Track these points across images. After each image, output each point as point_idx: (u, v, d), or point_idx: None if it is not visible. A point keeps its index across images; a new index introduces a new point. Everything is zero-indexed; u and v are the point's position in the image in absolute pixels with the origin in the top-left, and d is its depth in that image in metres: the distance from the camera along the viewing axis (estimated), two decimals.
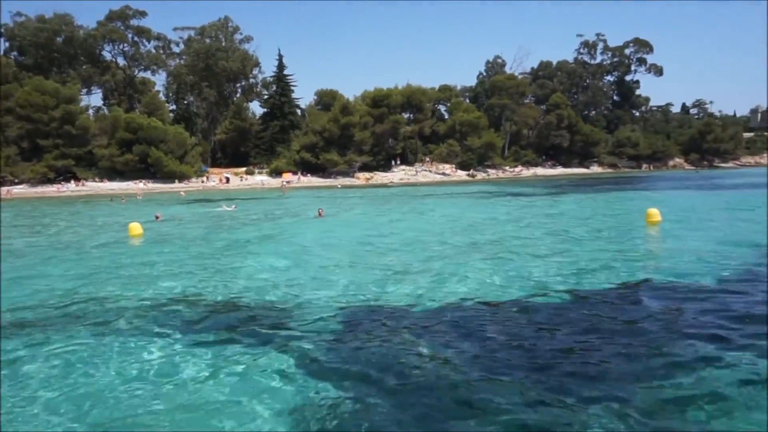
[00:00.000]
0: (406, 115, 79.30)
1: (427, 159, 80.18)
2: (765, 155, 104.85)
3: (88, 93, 79.99)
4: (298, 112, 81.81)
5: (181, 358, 5.94)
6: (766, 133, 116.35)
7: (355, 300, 8.10)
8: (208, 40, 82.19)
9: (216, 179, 66.63)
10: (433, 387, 5.06)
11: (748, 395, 4.83)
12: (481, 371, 5.39)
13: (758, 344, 5.73)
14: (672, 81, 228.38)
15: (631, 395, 4.75)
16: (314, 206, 26.22)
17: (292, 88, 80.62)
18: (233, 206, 28.68)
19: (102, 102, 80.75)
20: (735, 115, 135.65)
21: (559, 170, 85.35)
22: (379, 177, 71.69)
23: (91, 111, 73.95)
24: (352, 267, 10.54)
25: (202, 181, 65.48)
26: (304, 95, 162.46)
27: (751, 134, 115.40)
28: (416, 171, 75.72)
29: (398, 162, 78.09)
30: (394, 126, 74.41)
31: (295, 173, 69.56)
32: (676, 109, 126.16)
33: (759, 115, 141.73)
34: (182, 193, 51.96)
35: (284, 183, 64.30)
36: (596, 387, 4.94)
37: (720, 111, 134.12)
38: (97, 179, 62.30)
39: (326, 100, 79.37)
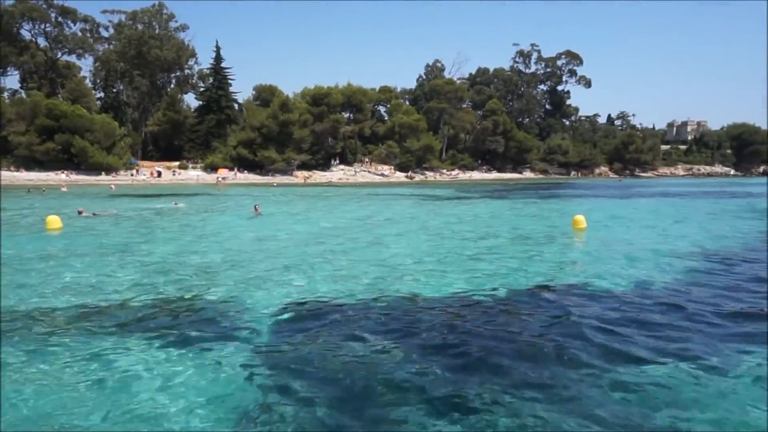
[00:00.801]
0: (346, 115, 79.13)
1: (366, 159, 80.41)
2: (679, 167, 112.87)
3: (3, 74, 74.12)
4: (236, 106, 79.53)
5: (102, 363, 5.81)
6: (680, 147, 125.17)
7: (302, 300, 8.20)
8: (140, 26, 78.30)
9: (147, 173, 63.59)
10: (351, 378, 5.32)
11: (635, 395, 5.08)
12: (393, 364, 5.66)
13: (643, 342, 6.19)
14: (599, 93, 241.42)
15: (531, 393, 5.08)
16: (251, 204, 25.67)
17: (229, 81, 78.33)
18: (177, 204, 27.84)
19: (19, 85, 75.07)
20: (654, 128, 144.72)
21: (494, 175, 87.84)
22: (318, 176, 71.14)
23: (6, 94, 68.53)
24: (294, 267, 10.58)
25: (132, 174, 62.30)
26: (242, 89, 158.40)
27: (668, 147, 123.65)
28: (355, 171, 75.86)
29: (337, 162, 77.85)
30: (334, 125, 74.12)
31: (231, 169, 67.58)
32: (602, 120, 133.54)
33: (674, 129, 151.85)
34: (112, 186, 49.09)
35: (220, 179, 62.35)
36: (505, 390, 5.15)
37: (641, 123, 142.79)
38: (12, 168, 57.78)
39: (265, 95, 77.58)
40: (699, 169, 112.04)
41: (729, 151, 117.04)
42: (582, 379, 5.36)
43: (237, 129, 72.81)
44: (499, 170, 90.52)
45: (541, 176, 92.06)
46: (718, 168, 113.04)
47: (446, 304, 7.95)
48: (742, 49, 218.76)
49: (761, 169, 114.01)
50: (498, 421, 4.59)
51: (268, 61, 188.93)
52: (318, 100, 73.60)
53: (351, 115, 79.98)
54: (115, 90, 75.17)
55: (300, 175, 69.19)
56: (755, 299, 8.30)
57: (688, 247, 13.47)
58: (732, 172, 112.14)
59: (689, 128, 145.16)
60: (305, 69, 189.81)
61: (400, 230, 16.60)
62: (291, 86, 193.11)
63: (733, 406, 4.87)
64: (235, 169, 67.95)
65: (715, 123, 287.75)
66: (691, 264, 11.20)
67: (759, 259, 11.91)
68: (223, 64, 78.11)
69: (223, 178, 63.36)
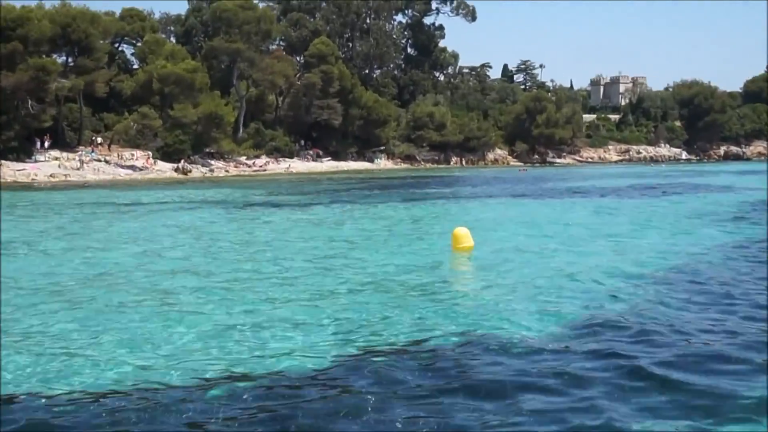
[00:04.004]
0: (60, 58, 76.09)
1: (100, 140, 77.78)
2: (610, 148, 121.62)
3: None
4: None
5: None
6: (611, 117, 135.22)
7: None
8: None
9: None
10: None
11: None
12: None
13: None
14: (489, 31, 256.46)
15: None
16: None
17: None
18: None
19: None
20: (572, 86, 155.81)
21: (329, 164, 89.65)
22: (6, 171, 64.83)
23: None
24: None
25: None
26: None
27: (593, 117, 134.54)
28: (81, 161, 72.40)
29: (45, 144, 73.79)
30: (38, 76, 69.67)
31: None
32: (495, 73, 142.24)
33: (601, 89, 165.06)
34: None
35: None
36: None
37: (552, 81, 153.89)
38: None
39: None
40: (639, 152, 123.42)
41: (678, 123, 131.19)
42: None
43: None
44: (336, 157, 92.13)
45: (404, 165, 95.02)
46: (664, 149, 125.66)
47: (273, 381, 9.12)
48: None
49: (722, 150, 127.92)
50: None
51: None
52: (7, 29, 68.84)
53: (70, 60, 77.00)
54: None
55: None
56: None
57: (622, 269, 16.25)
58: (684, 155, 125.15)
59: (622, 88, 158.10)
60: None
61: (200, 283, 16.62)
62: None
63: None
64: None
65: (657, 81, 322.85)
66: (627, 296, 13.54)
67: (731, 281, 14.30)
68: None
69: None
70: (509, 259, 18.04)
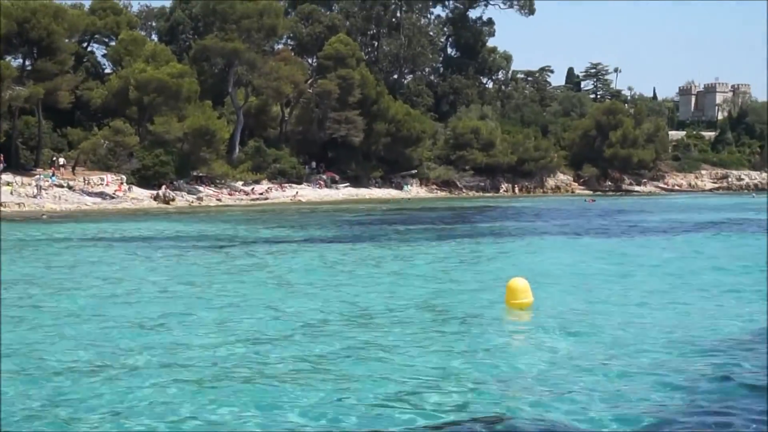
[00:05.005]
0: (14, 61, 76.48)
1: (63, 161, 77.74)
2: (704, 173, 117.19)
3: None
4: None
5: None
6: (706, 133, 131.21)
7: None
8: None
9: None
10: None
11: None
12: None
13: None
14: (550, 28, 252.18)
15: None
16: None
17: None
18: None
19: None
20: (655, 96, 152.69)
21: (346, 192, 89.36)
22: None
23: None
24: None
25: None
26: None
27: (681, 134, 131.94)
28: (38, 186, 72.06)
29: (0, 166, 73.93)
30: None
31: None
32: (557, 79, 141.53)
33: (692, 99, 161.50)
34: None
35: None
36: None
37: (630, 89, 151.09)
38: None
39: None
40: (739, 178, 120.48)
41: None
42: None
43: None
44: (356, 183, 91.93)
45: (441, 194, 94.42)
46: None
47: None
48: None
49: None
50: None
51: None
52: None
53: (27, 62, 77.12)
54: None
55: None
56: None
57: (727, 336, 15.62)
58: None
59: (719, 98, 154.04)
60: None
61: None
62: None
63: None
64: None
65: (764, 90, 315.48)
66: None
67: None
68: None
69: None
70: (579, 320, 17.38)
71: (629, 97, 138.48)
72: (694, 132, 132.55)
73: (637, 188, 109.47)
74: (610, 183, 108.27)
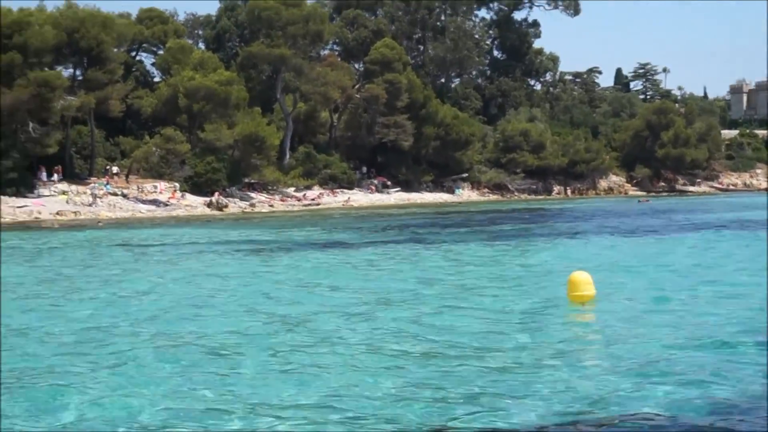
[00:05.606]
0: (66, 71, 76.50)
1: (116, 170, 78.37)
2: (759, 172, 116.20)
3: None
4: None
5: None
6: (760, 131, 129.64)
7: None
8: None
9: None
10: None
11: None
12: None
13: None
14: (597, 29, 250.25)
15: None
16: None
17: None
18: None
19: None
20: (706, 95, 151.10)
21: (397, 196, 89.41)
22: (4, 208, 65.97)
23: None
24: None
25: None
26: None
27: (734, 133, 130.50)
28: (93, 195, 72.63)
29: (55, 176, 74.42)
30: (40, 93, 70.09)
31: None
32: (606, 80, 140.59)
33: (744, 97, 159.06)
34: None
35: None
36: None
37: (680, 88, 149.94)
38: None
39: None
40: None
41: None
42: None
43: None
44: (407, 187, 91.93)
45: (493, 197, 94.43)
46: None
47: None
48: None
49: None
50: None
51: None
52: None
53: (78, 72, 77.40)
54: None
55: None
56: None
57: None
58: None
59: None
60: None
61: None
62: None
63: None
64: None
65: None
66: None
67: None
68: None
69: None
70: (645, 314, 17.39)
71: (679, 97, 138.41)
72: (747, 130, 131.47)
73: (691, 188, 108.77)
74: (663, 184, 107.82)
